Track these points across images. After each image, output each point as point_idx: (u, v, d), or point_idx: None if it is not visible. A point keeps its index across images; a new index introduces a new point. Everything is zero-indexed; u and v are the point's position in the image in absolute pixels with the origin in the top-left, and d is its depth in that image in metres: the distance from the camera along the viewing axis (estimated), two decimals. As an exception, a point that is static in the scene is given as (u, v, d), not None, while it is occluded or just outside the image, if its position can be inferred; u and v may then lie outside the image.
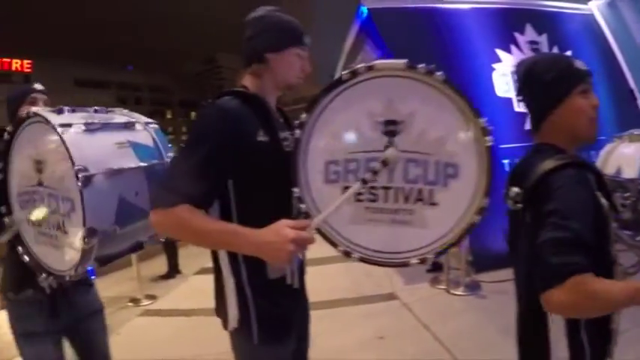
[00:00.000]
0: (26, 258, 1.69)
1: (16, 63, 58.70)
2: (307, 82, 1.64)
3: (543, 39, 5.65)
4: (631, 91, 5.87)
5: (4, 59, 57.50)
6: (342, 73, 1.30)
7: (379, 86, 1.27)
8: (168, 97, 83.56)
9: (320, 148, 1.36)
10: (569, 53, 4.63)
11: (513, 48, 5.50)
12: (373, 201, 1.31)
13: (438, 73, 1.20)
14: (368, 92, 1.28)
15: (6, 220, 1.72)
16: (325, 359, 2.73)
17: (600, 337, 1.24)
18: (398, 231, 1.31)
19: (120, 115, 1.85)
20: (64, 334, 2.02)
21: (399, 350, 2.95)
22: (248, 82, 1.51)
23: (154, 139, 1.81)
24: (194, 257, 6.16)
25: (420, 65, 1.21)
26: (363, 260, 1.34)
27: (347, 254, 1.34)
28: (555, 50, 5.42)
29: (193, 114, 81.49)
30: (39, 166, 1.61)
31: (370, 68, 1.25)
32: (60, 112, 1.58)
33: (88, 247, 1.46)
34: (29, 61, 59.62)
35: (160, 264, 6.42)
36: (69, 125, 1.51)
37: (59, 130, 1.47)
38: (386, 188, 1.29)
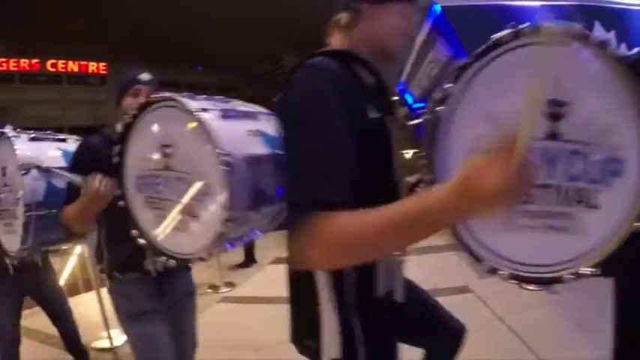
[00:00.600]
0: (142, 241, 1.66)
1: (92, 66, 62.82)
2: None
3: (611, 35, 5.38)
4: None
5: (81, 62, 61.83)
6: (504, 33, 1.05)
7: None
8: (239, 96, 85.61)
9: (465, 131, 1.07)
10: (636, 50, 4.41)
11: None
12: (528, 202, 1.06)
13: (618, 49, 1.01)
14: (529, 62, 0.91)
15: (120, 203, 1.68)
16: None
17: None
18: (551, 239, 1.10)
19: (241, 105, 1.79)
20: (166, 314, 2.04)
21: (474, 342, 3.00)
22: (335, 39, 1.25)
23: (275, 129, 1.66)
24: (269, 248, 6.32)
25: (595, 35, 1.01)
26: (513, 278, 1.13)
27: (493, 271, 1.14)
28: (624, 47, 5.12)
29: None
30: (166, 150, 1.57)
31: (537, 29, 0.99)
32: (192, 97, 1.56)
33: (225, 230, 1.44)
34: (104, 64, 63.76)
35: (237, 253, 6.58)
36: (205, 110, 1.47)
37: (200, 114, 1.44)
38: (545, 186, 1.05)
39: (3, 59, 55.27)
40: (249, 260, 6.59)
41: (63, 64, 59.88)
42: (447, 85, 1.05)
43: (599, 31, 5.29)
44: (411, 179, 1.26)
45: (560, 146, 1.04)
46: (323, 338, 1.15)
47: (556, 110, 1.03)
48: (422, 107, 1.32)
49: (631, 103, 1.02)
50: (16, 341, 2.67)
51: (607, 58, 1.01)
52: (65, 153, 2.17)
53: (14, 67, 56.06)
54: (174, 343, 2.01)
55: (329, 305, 1.15)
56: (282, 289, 1.44)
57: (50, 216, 1.93)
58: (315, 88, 1.03)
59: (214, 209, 1.50)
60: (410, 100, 9.27)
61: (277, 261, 6.04)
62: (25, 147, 2.01)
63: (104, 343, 3.91)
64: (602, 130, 1.03)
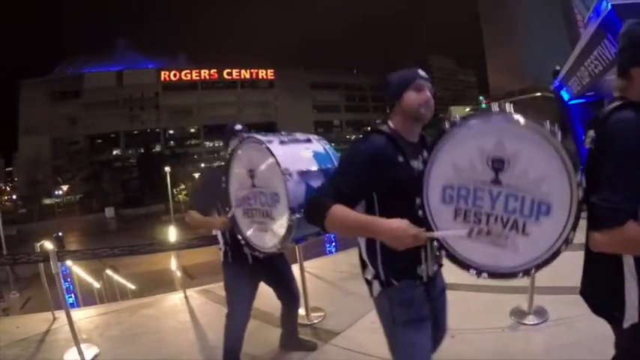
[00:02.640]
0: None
1: (262, 72, 70.54)
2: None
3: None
4: None
5: (252, 70, 69.74)
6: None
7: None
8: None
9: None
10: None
11: None
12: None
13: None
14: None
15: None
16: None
17: None
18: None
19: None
20: None
21: None
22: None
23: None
24: None
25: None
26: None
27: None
28: None
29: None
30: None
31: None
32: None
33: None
34: (272, 70, 70.95)
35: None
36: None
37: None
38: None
39: (187, 70, 66.60)
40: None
41: (237, 72, 70.35)
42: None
43: None
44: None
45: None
46: (626, 309, 1.43)
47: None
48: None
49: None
50: (246, 324, 2.93)
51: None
52: (315, 154, 2.36)
53: (196, 76, 67.05)
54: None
55: (632, 282, 1.41)
56: (462, 277, 1.78)
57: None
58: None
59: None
60: (566, 97, 8.97)
61: None
62: (280, 152, 2.16)
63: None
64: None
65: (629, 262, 1.40)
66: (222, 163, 2.64)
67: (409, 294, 1.84)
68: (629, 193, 1.29)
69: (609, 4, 5.01)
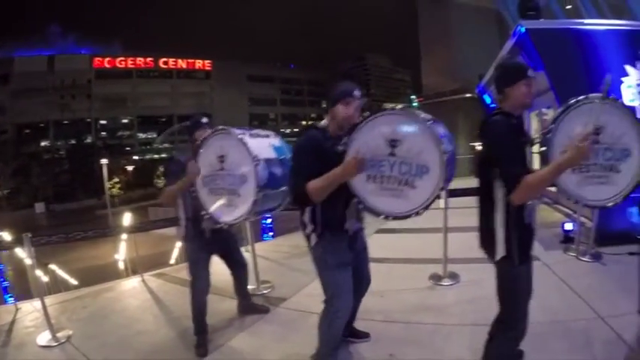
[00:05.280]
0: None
1: (199, 63, 68.85)
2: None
3: None
4: None
5: (189, 60, 68.05)
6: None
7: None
8: (324, 90, 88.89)
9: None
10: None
11: (639, 64, 5.85)
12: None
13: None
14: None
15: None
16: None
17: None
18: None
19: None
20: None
21: (545, 299, 3.49)
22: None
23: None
24: (372, 221, 7.18)
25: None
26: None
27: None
28: None
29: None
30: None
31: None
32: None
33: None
34: (209, 61, 69.44)
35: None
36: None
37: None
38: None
39: (122, 58, 63.29)
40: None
41: (173, 61, 67.64)
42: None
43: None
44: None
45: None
46: (497, 247, 2.15)
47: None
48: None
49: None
50: (208, 289, 3.45)
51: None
52: (274, 146, 3.04)
53: (131, 64, 63.71)
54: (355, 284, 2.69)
55: (500, 229, 2.13)
56: (388, 252, 3.26)
57: (270, 194, 2.84)
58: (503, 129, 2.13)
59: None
60: (488, 100, 11.18)
61: (380, 231, 6.49)
62: (251, 143, 2.80)
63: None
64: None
65: (498, 214, 2.13)
66: (185, 154, 3.27)
67: (337, 244, 2.56)
68: (516, 162, 2.02)
69: (523, 28, 6.08)
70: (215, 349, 3.33)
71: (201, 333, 3.40)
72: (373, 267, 2.93)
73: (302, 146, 2.45)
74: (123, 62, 63.02)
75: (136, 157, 59.50)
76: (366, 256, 2.87)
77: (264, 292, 4.49)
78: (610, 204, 2.75)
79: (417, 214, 2.29)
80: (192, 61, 68.66)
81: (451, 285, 4.23)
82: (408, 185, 2.26)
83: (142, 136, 64.38)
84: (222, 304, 4.05)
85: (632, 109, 5.67)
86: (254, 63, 78.96)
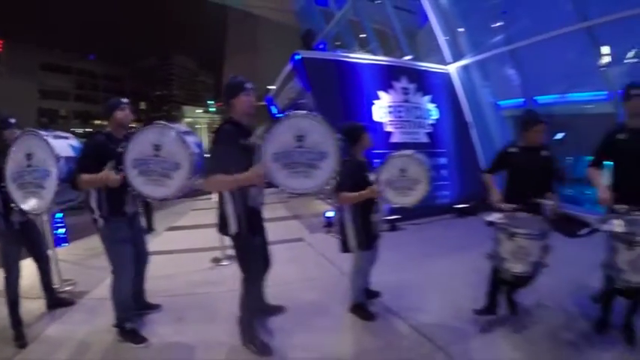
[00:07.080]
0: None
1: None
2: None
3: (412, 86, 8.05)
4: (467, 123, 9.07)
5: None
6: (286, 114, 2.82)
7: (295, 121, 2.80)
8: (122, 87, 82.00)
9: (270, 146, 2.78)
10: (429, 97, 8.08)
11: (391, 90, 7.80)
12: (292, 167, 2.81)
13: (318, 115, 2.81)
14: (290, 124, 2.80)
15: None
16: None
17: None
18: (304, 180, 2.81)
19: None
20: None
21: (304, 266, 4.91)
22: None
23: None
24: (164, 218, 9.26)
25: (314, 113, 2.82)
26: (299, 195, 2.87)
27: (298, 195, 2.90)
28: (420, 94, 8.10)
29: (142, 104, 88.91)
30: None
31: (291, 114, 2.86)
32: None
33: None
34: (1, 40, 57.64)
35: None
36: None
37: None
38: (298, 162, 2.79)
39: None
40: (149, 228, 7.77)
41: None
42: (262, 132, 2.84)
43: (404, 82, 7.97)
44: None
45: (302, 150, 2.79)
46: (230, 225, 2.88)
47: (300, 138, 2.79)
48: (282, 116, 2.83)
49: (327, 133, 2.79)
50: (18, 279, 3.58)
51: (317, 119, 2.82)
52: (72, 146, 3.38)
53: None
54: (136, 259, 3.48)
55: (230, 209, 2.87)
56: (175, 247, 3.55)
57: (69, 187, 3.16)
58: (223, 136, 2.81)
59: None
60: (275, 110, 13.84)
61: (170, 229, 8.28)
62: (55, 143, 3.18)
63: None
64: (317, 143, 2.80)
65: (226, 195, 2.89)
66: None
67: (119, 224, 3.28)
68: (221, 164, 2.69)
69: (299, 55, 7.49)
70: (33, 340, 3.50)
71: (18, 325, 3.53)
72: (163, 259, 3.74)
73: (221, 138, 2.83)
74: None
75: None
76: (143, 237, 3.77)
77: (67, 288, 4.74)
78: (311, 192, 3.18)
79: (320, 191, 2.89)
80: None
81: (229, 265, 5.28)
82: (314, 168, 2.81)
83: None
84: (32, 304, 4.16)
85: (380, 125, 7.50)
86: (52, 50, 69.46)
